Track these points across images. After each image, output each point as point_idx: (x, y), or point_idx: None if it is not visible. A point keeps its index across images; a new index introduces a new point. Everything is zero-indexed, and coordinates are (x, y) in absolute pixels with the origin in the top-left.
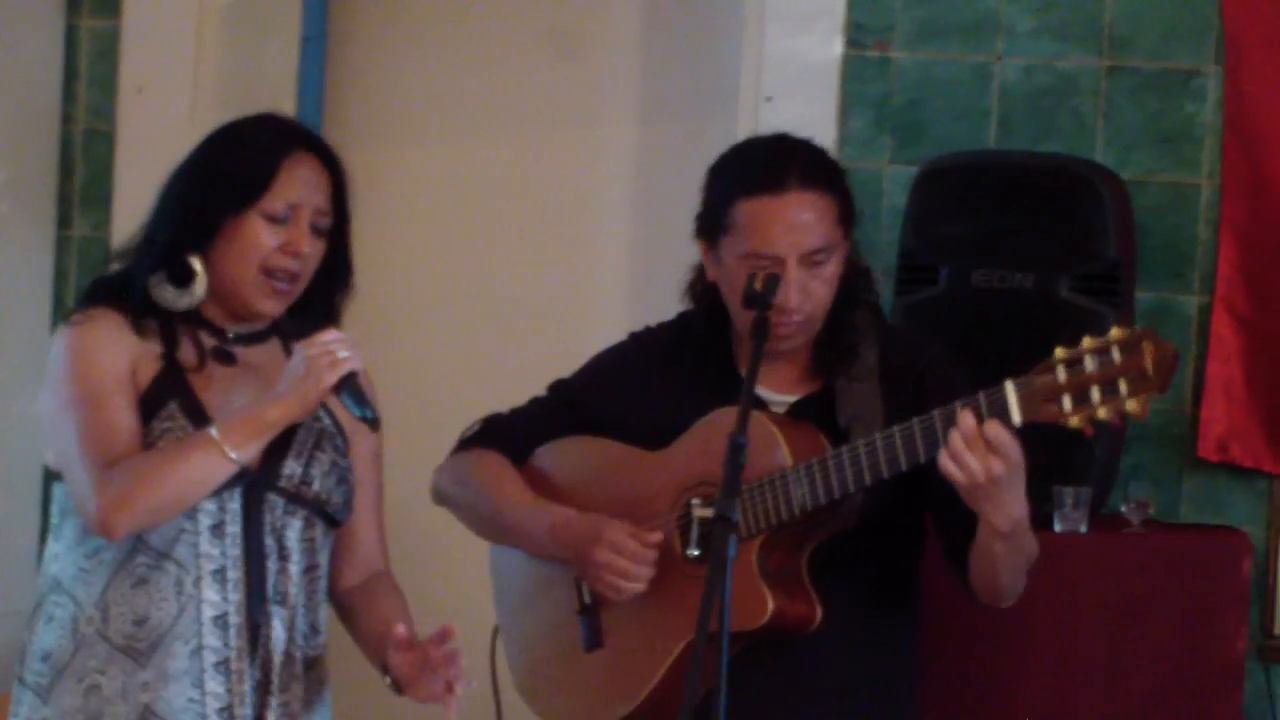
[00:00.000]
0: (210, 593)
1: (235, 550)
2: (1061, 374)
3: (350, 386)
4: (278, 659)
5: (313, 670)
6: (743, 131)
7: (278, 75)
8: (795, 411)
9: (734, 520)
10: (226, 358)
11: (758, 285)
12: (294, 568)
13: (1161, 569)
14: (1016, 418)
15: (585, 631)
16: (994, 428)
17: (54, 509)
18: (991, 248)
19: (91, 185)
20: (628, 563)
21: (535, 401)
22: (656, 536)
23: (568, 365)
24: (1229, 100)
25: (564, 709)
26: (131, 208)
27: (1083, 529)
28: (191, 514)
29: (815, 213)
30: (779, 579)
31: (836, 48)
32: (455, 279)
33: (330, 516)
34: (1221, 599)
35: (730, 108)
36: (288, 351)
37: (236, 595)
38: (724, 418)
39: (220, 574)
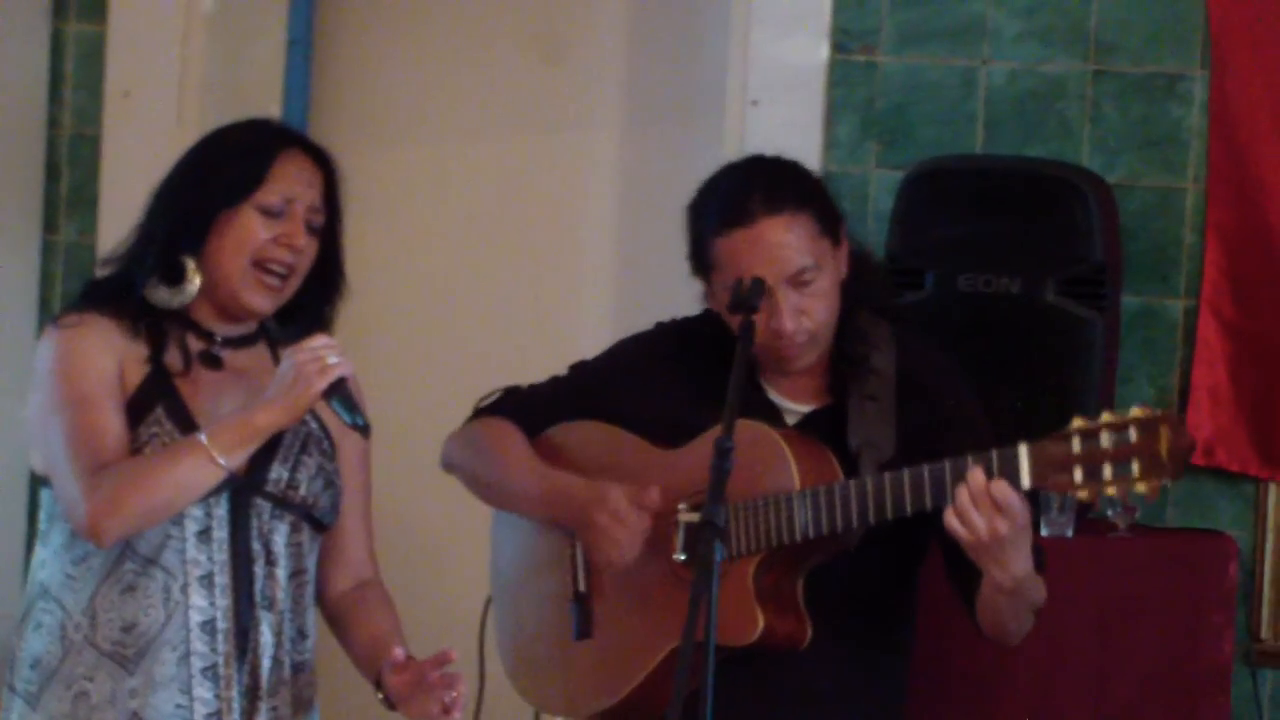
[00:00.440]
0: (198, 598)
1: (222, 555)
2: (1077, 445)
3: (340, 393)
4: (266, 664)
5: (301, 675)
6: (729, 135)
7: (264, 79)
8: (808, 423)
9: (720, 525)
10: (213, 362)
11: (743, 289)
12: (281, 572)
13: (1148, 573)
14: (1026, 482)
15: (576, 619)
16: (1001, 488)
17: (41, 515)
18: (978, 252)
19: (77, 190)
20: (624, 531)
21: (555, 380)
22: (652, 494)
23: (554, 367)
24: (1214, 104)
25: (546, 692)
26: (118, 212)
27: (1069, 533)
28: (178, 520)
29: (791, 234)
30: (772, 597)
31: (822, 52)
32: (441, 282)
33: (317, 521)
34: (1208, 603)
35: (716, 112)
36: (275, 357)
37: (224, 601)
38: (739, 430)
39: (208, 579)
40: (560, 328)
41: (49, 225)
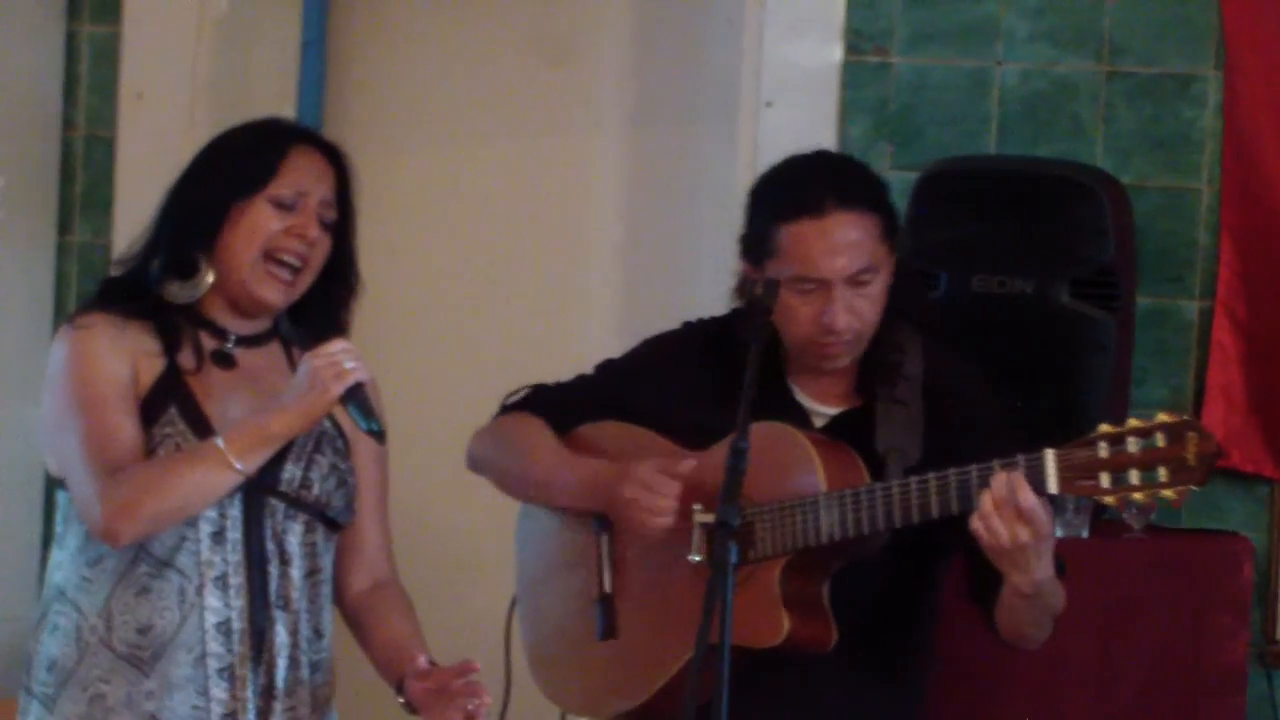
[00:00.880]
0: (213, 600)
1: (236, 556)
2: (1103, 450)
3: (356, 398)
4: (281, 664)
5: (318, 675)
6: (743, 137)
7: (277, 80)
8: (835, 425)
9: (734, 526)
10: (226, 361)
11: (758, 290)
12: (295, 572)
13: (1162, 574)
14: (1053, 488)
15: (600, 619)
16: (1026, 495)
17: (57, 517)
18: (991, 252)
19: (92, 191)
20: (655, 496)
21: (582, 378)
22: (687, 464)
23: (564, 367)
24: (1228, 105)
25: (569, 691)
26: (132, 213)
27: (1084, 534)
28: (192, 521)
29: (858, 233)
30: (798, 600)
31: (835, 53)
32: (452, 282)
33: (331, 520)
34: (1222, 604)
35: (730, 113)
36: (289, 356)
37: (239, 601)
38: (764, 432)
39: (222, 580)
40: (570, 328)
41: (63, 226)
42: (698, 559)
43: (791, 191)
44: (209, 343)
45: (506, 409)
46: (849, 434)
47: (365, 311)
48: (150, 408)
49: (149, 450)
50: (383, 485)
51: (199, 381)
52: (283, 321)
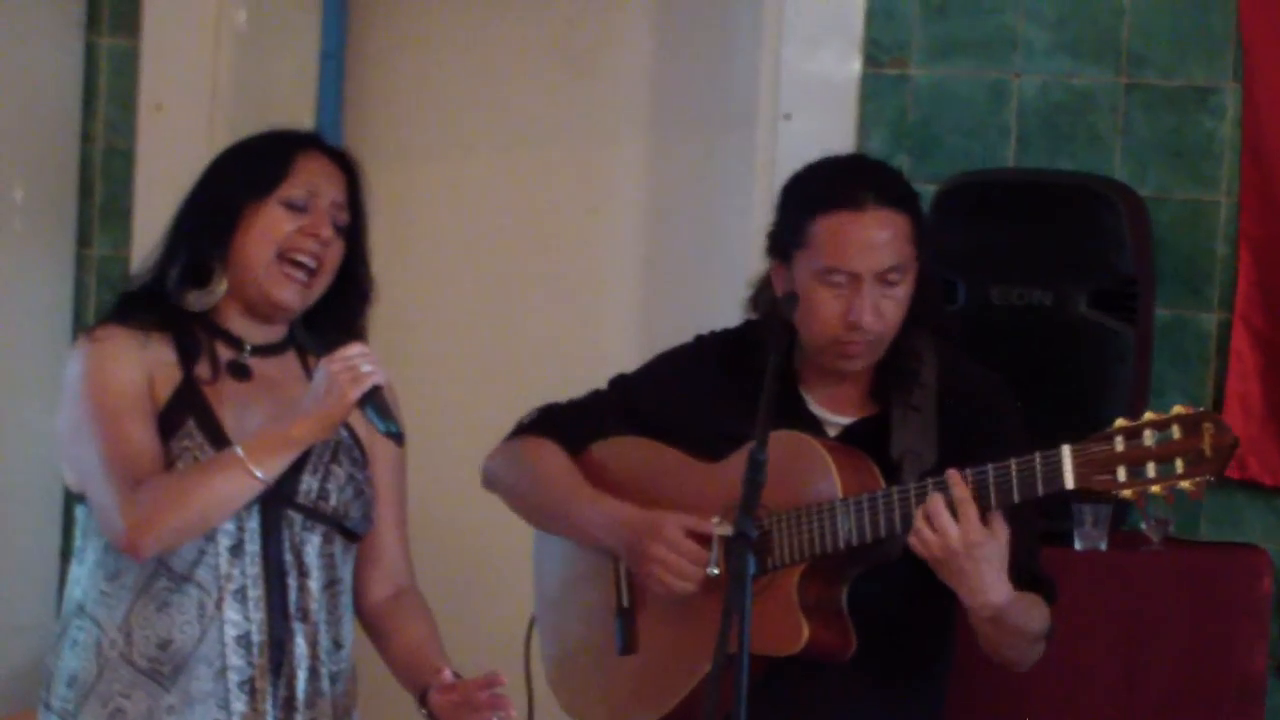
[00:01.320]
0: (232, 613)
1: (255, 569)
2: (1120, 444)
3: (374, 401)
4: (302, 676)
5: (338, 685)
6: (761, 149)
7: (296, 92)
8: (849, 434)
9: (752, 537)
10: (242, 372)
11: (779, 301)
12: (314, 584)
13: (1181, 586)
14: (1070, 482)
15: (620, 634)
16: (961, 497)
17: (76, 532)
18: (1009, 264)
19: (111, 203)
20: (681, 560)
21: (595, 395)
22: (709, 526)
23: (582, 380)
24: (1247, 116)
25: (589, 706)
26: (151, 225)
27: (1102, 546)
28: (211, 535)
29: (892, 230)
30: (817, 608)
31: (854, 65)
32: (472, 293)
33: (349, 531)
34: (1241, 616)
35: (748, 125)
36: (304, 365)
37: (258, 614)
38: (780, 440)
39: (241, 593)
40: (589, 339)
41: (82, 239)
42: (715, 571)
43: (830, 185)
44: (225, 353)
45: (520, 430)
46: (863, 442)
47: (383, 321)
48: (168, 421)
49: (168, 463)
50: (401, 494)
51: (216, 393)
52: (298, 329)
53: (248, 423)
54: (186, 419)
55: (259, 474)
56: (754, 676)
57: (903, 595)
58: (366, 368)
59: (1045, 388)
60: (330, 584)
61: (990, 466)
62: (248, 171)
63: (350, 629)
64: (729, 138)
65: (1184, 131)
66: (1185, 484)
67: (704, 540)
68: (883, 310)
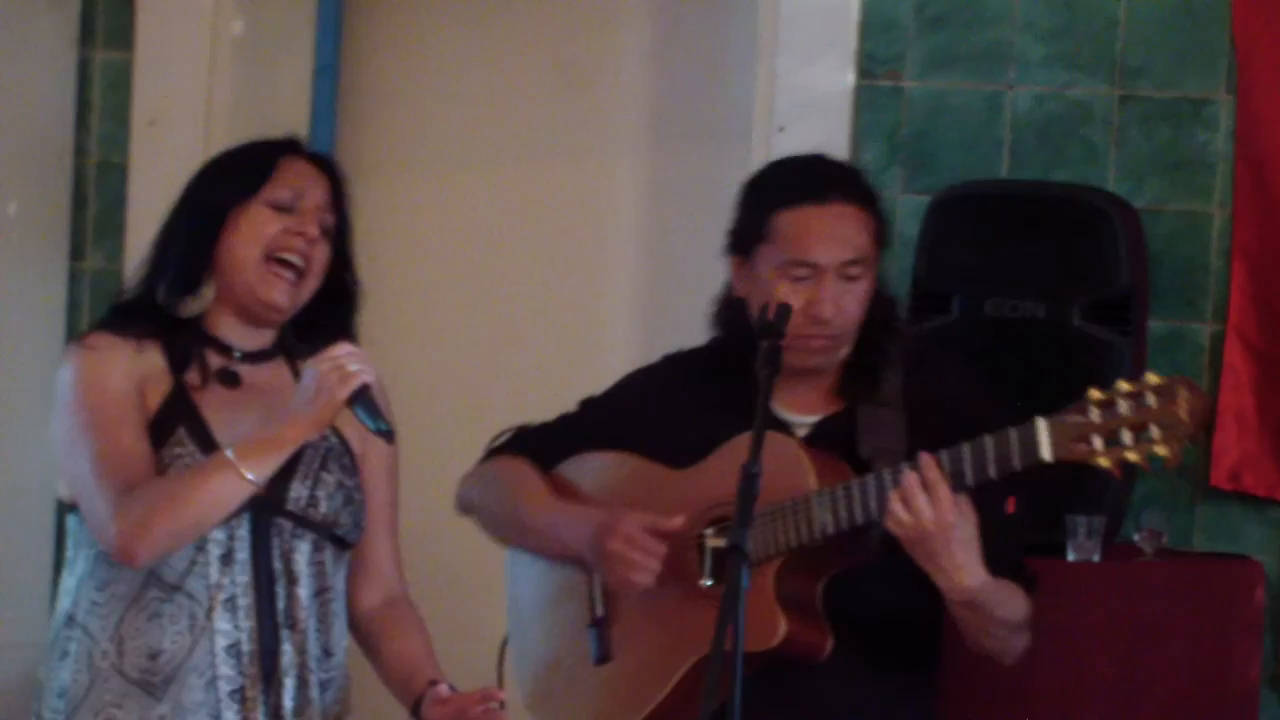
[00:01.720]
0: (222, 622)
1: (244, 577)
2: (1094, 414)
3: (363, 400)
4: (290, 684)
5: (329, 694)
6: (756, 161)
7: (290, 106)
8: (817, 433)
9: (746, 550)
10: (231, 379)
11: (770, 315)
12: (303, 591)
13: (1175, 598)
14: (1048, 455)
15: (595, 644)
16: (933, 478)
17: (69, 542)
18: (1004, 277)
19: (104, 217)
20: (637, 554)
21: (565, 416)
22: (675, 522)
23: (581, 391)
24: (1241, 128)
25: (569, 719)
26: (145, 240)
27: (1096, 558)
28: (202, 544)
29: (855, 225)
30: (794, 604)
31: (849, 77)
32: (468, 307)
33: (339, 539)
34: (1235, 628)
35: (743, 137)
36: (294, 371)
37: (248, 623)
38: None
39: (231, 602)
40: (587, 352)
41: (76, 253)
42: (709, 583)
43: (794, 179)
44: (215, 360)
45: (493, 452)
46: (832, 440)
47: (378, 334)
48: (159, 428)
49: (159, 471)
50: (393, 502)
51: (206, 401)
52: (288, 335)
53: (238, 430)
54: (177, 427)
55: (250, 476)
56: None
57: (890, 594)
58: (355, 366)
59: (1039, 400)
60: (320, 591)
61: (965, 445)
62: (232, 176)
63: (342, 637)
64: (724, 150)
65: (1178, 144)
66: (1162, 451)
67: (663, 536)
68: (844, 304)
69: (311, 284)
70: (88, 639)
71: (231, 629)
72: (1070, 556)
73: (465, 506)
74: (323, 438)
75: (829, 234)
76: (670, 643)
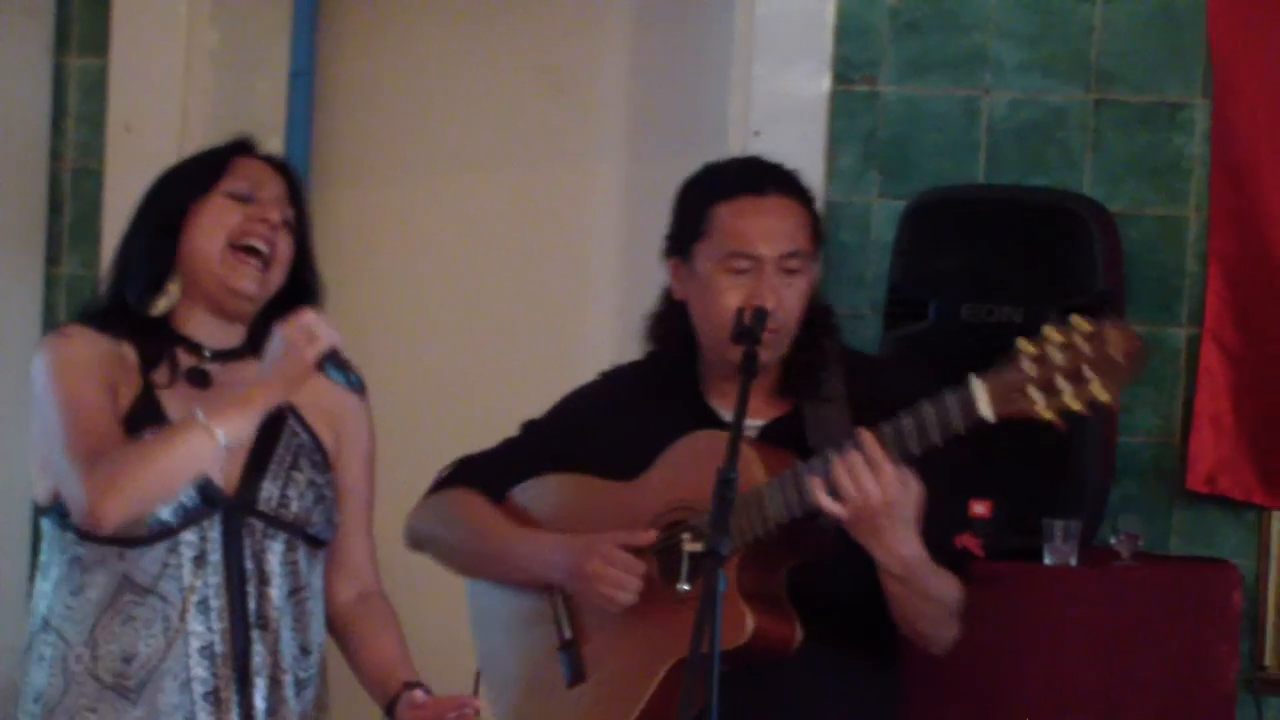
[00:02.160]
0: (196, 625)
1: (216, 578)
2: (1029, 367)
3: (333, 359)
4: (262, 685)
5: (306, 692)
6: None
7: (266, 111)
8: (765, 434)
9: (723, 554)
10: (202, 379)
11: (746, 320)
12: (275, 591)
13: (1152, 601)
14: (988, 413)
15: (567, 667)
16: (874, 454)
17: (43, 546)
18: (980, 281)
19: (80, 223)
20: (619, 572)
21: (508, 442)
22: (649, 535)
23: (560, 395)
24: (1216, 133)
25: None
26: None
27: (1072, 561)
28: (174, 547)
29: (793, 218)
30: (758, 596)
31: (824, 82)
32: (447, 310)
33: (312, 538)
34: (1212, 631)
35: (719, 142)
36: None
37: (220, 624)
38: (695, 442)
39: (204, 604)
40: (566, 355)
41: (51, 258)
42: (686, 588)
43: (731, 175)
44: (186, 359)
45: (439, 484)
46: (781, 441)
47: (353, 339)
48: (127, 428)
49: None
50: (370, 496)
51: (172, 401)
52: (258, 334)
53: None
54: (144, 427)
55: (220, 435)
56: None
57: (848, 581)
58: (322, 330)
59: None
60: (295, 590)
61: (904, 413)
62: (188, 174)
63: (320, 634)
64: (701, 154)
65: (1154, 148)
66: (1101, 394)
67: (637, 552)
68: (784, 298)
69: (278, 273)
70: (62, 643)
71: (205, 630)
72: (1047, 560)
73: (416, 542)
74: (294, 433)
75: (768, 226)
76: (643, 652)
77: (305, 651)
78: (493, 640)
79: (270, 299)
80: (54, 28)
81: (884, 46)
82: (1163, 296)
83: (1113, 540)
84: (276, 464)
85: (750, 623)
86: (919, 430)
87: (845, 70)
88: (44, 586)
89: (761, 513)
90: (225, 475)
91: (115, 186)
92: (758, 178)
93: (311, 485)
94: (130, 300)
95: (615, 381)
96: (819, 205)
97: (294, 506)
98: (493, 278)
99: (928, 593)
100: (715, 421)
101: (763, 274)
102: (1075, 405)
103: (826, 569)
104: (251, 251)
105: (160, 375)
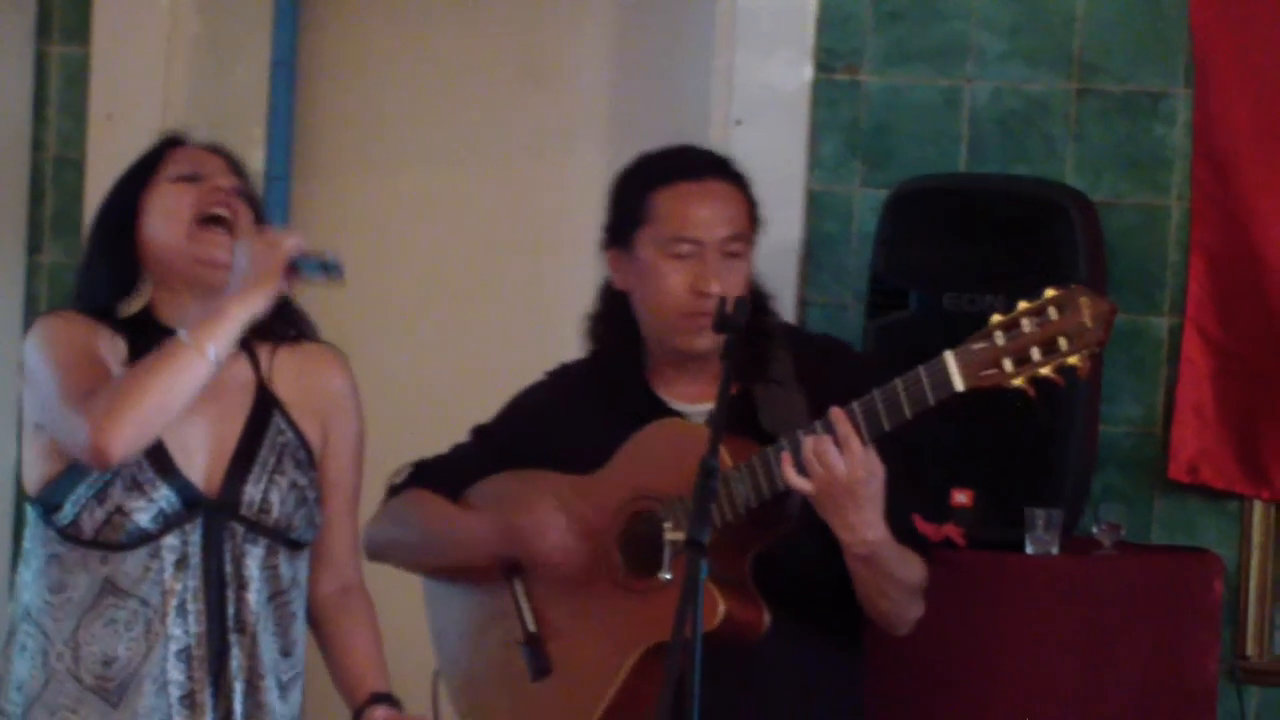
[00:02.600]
0: (175, 628)
1: (195, 581)
2: (1000, 338)
3: (304, 260)
4: (239, 688)
5: (292, 694)
6: None
7: (248, 101)
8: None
9: (703, 544)
10: None
11: (728, 309)
12: (253, 595)
13: (1133, 591)
14: (960, 385)
15: (531, 661)
16: (845, 432)
17: (26, 534)
18: (962, 271)
19: (62, 212)
20: (549, 514)
21: (460, 446)
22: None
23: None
24: (1198, 122)
25: None
26: None
27: (1054, 551)
28: (156, 550)
29: (733, 202)
30: (726, 581)
31: (806, 72)
32: (426, 302)
33: (293, 542)
34: (1193, 620)
35: (700, 132)
36: (253, 362)
37: (197, 627)
38: (655, 431)
39: (182, 607)
40: (548, 346)
41: (33, 247)
42: (668, 577)
43: (668, 162)
44: None
45: (393, 491)
46: (733, 424)
47: (335, 332)
48: None
49: None
50: (355, 490)
51: None
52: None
53: (191, 424)
54: None
55: (209, 352)
56: (684, 664)
57: (813, 563)
58: (282, 236)
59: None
60: (274, 595)
61: (876, 390)
62: (128, 177)
63: (302, 634)
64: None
65: (1136, 138)
66: (1073, 360)
67: (603, 541)
68: (727, 281)
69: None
70: (42, 637)
71: (183, 634)
72: (1028, 549)
73: (375, 551)
74: (279, 431)
75: (708, 210)
76: (607, 643)
77: (286, 654)
78: (452, 638)
79: None
80: (35, 16)
81: (866, 36)
82: (1144, 286)
83: (1094, 530)
84: (260, 466)
85: (721, 609)
86: (890, 406)
87: (827, 60)
88: (25, 576)
89: (730, 498)
90: (208, 476)
91: (97, 175)
92: (695, 163)
93: (294, 488)
94: (105, 303)
95: (562, 379)
96: (800, 194)
97: (275, 512)
98: (473, 266)
99: (892, 573)
100: (665, 410)
101: (706, 258)
102: (1048, 373)
103: (791, 555)
104: (216, 220)
105: None
